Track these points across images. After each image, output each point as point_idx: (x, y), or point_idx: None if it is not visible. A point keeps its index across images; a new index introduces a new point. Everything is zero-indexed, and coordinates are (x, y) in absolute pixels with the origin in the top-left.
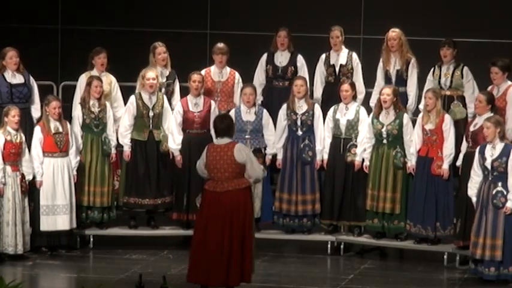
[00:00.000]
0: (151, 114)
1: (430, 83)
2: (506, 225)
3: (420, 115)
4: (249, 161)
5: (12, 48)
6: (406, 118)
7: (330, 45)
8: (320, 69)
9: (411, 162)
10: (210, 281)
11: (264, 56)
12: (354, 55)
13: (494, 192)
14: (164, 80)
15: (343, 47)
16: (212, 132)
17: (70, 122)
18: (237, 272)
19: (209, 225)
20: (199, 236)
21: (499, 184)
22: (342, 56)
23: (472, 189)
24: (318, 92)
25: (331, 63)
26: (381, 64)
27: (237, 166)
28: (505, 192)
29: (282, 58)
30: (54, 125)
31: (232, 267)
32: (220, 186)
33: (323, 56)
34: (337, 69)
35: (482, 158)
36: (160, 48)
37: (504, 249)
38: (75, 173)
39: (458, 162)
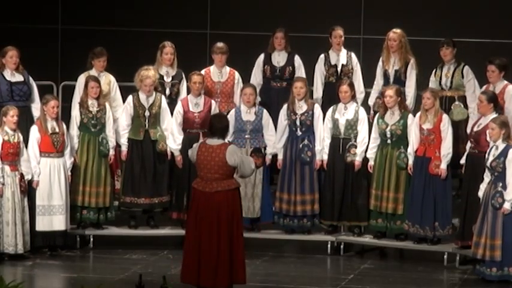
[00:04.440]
0: (147, 114)
1: (432, 84)
2: (505, 226)
3: (417, 114)
4: (241, 162)
5: (13, 47)
6: (411, 119)
7: (329, 45)
8: (320, 69)
9: (408, 161)
10: (201, 282)
11: (261, 57)
12: (353, 55)
13: (493, 192)
14: (169, 79)
15: (342, 47)
16: None
17: (68, 122)
18: (225, 274)
19: (198, 225)
20: (190, 235)
21: (499, 185)
22: (341, 56)
23: (481, 190)
24: (319, 92)
25: (332, 63)
26: (380, 63)
27: (228, 168)
28: (504, 193)
29: (279, 58)
30: (51, 125)
31: (220, 268)
32: (210, 186)
33: (322, 56)
34: (339, 69)
35: (487, 158)
36: (168, 49)
37: (503, 250)
38: (69, 173)
39: (462, 161)
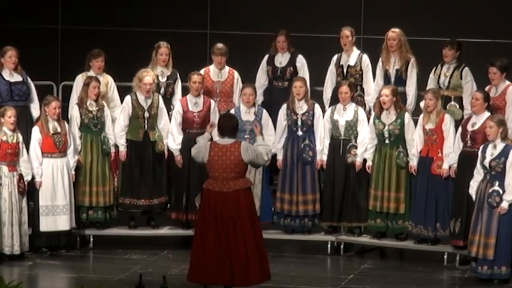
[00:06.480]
0: (146, 115)
1: (431, 80)
2: (500, 225)
3: (421, 116)
4: (254, 157)
5: (12, 47)
6: (408, 117)
7: (341, 46)
8: (331, 70)
9: (413, 163)
10: (213, 280)
11: (265, 58)
12: (364, 56)
13: (490, 191)
14: (164, 79)
15: (354, 48)
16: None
17: (68, 122)
18: (257, 270)
19: (212, 225)
20: (201, 235)
21: (496, 184)
22: (352, 57)
23: (473, 188)
24: (328, 93)
25: (341, 63)
26: (380, 64)
27: (243, 166)
28: (501, 192)
29: (281, 59)
30: (52, 125)
31: (251, 265)
32: (227, 186)
33: (335, 57)
34: (345, 70)
35: (483, 156)
36: (163, 49)
37: (497, 249)
38: (73, 172)
39: (451, 161)
